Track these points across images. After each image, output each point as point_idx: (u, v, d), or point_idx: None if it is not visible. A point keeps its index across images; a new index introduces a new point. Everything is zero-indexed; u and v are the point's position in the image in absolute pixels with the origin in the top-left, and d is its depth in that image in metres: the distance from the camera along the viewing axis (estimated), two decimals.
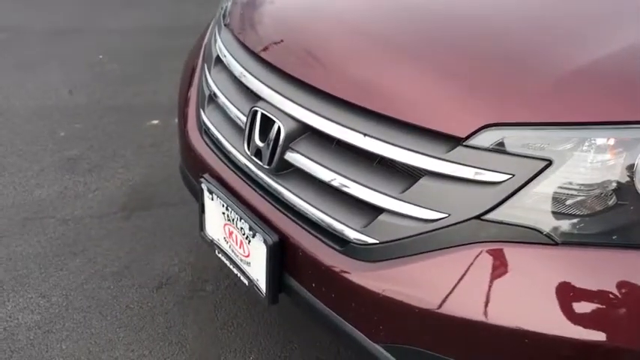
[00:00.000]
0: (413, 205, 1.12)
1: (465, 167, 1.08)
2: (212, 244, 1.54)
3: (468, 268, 1.06)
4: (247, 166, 1.42)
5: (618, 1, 1.24)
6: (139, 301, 2.03)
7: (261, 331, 1.92)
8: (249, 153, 1.39)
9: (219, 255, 1.52)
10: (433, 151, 1.10)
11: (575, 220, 1.03)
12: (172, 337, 1.89)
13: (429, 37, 1.24)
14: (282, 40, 1.41)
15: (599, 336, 0.99)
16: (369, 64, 1.24)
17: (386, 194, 1.15)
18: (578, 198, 1.03)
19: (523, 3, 1.28)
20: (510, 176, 1.04)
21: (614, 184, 1.03)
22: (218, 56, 1.64)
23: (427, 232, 1.11)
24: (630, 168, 1.02)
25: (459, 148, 1.08)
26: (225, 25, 1.69)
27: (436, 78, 1.15)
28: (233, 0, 1.73)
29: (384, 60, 1.23)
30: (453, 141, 1.09)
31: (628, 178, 1.03)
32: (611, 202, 1.03)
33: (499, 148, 1.06)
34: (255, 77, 1.44)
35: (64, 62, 3.93)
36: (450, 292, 1.07)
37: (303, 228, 1.28)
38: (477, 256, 1.06)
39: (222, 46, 1.62)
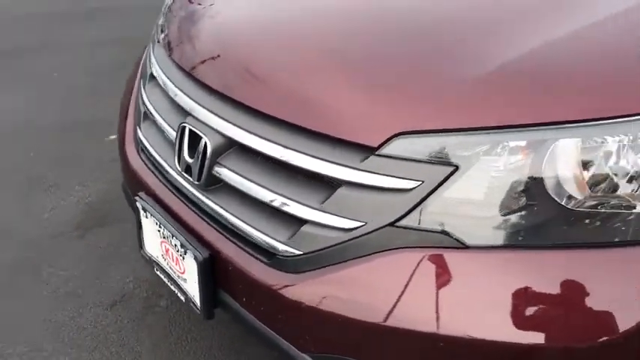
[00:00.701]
0: (332, 215, 1.14)
1: (378, 176, 1.09)
2: (151, 262, 1.54)
3: (382, 275, 1.08)
4: (179, 183, 1.43)
5: (526, 5, 1.26)
6: (92, 321, 2.02)
7: (215, 344, 1.92)
8: (179, 169, 1.40)
9: (158, 272, 1.52)
10: (348, 161, 1.12)
11: (484, 223, 1.05)
12: (125, 355, 1.89)
13: (341, 49, 1.25)
14: (207, 57, 1.42)
15: (508, 337, 1.00)
16: (286, 77, 1.26)
17: (307, 205, 1.17)
18: (486, 201, 1.05)
19: (432, 11, 1.30)
20: (420, 183, 1.06)
21: (523, 186, 1.05)
22: (152, 73, 1.64)
23: (346, 241, 1.12)
24: (539, 169, 1.04)
25: (372, 158, 1.10)
26: (158, 41, 1.69)
27: (348, 89, 1.17)
28: (165, 17, 1.74)
29: (300, 73, 1.25)
30: (366, 151, 1.11)
31: (537, 180, 1.05)
32: (520, 203, 1.05)
33: (409, 156, 1.07)
34: (185, 93, 1.45)
35: (21, 79, 3.90)
36: (367, 300, 1.09)
37: (233, 242, 1.29)
38: (391, 262, 1.08)
39: (155, 63, 1.63)
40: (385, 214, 1.09)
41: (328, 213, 1.14)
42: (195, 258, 1.31)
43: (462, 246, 1.05)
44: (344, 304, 1.11)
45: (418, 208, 1.07)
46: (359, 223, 1.11)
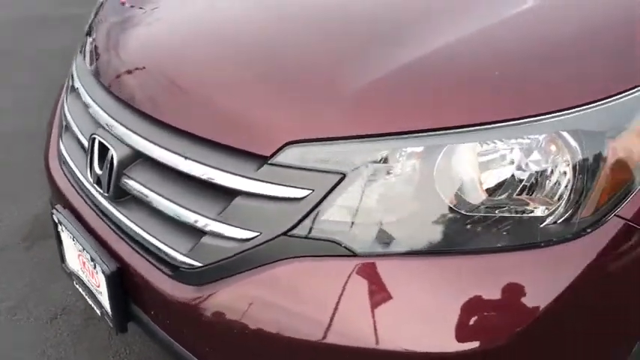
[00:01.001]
0: (228, 226, 1.12)
1: (271, 185, 1.08)
2: (72, 276, 1.52)
3: (273, 286, 1.06)
4: (92, 195, 1.41)
5: (418, 10, 1.25)
6: (32, 335, 1.99)
7: (154, 356, 1.90)
8: (91, 181, 1.38)
9: (77, 286, 1.50)
10: (243, 170, 1.10)
11: (374, 231, 1.03)
12: None
13: (235, 61, 1.25)
14: (115, 68, 1.41)
15: (394, 345, 0.99)
16: (184, 89, 1.25)
17: (206, 216, 1.15)
18: (377, 209, 1.03)
19: (323, 20, 1.29)
20: (310, 191, 1.05)
21: (414, 193, 1.03)
22: (73, 84, 1.62)
23: (243, 251, 1.11)
24: (431, 175, 1.03)
25: (266, 167, 1.08)
26: (80, 51, 1.68)
27: (242, 99, 1.16)
28: (89, 27, 1.72)
29: (197, 85, 1.24)
30: (260, 160, 1.09)
31: (429, 186, 1.03)
32: (412, 210, 1.03)
33: (300, 165, 1.06)
34: (97, 104, 1.43)
35: None
36: (260, 311, 1.07)
37: (141, 255, 1.27)
38: (281, 273, 1.06)
39: (75, 74, 1.61)
40: (279, 224, 1.07)
41: (225, 223, 1.12)
42: (103, 271, 1.29)
43: (351, 254, 1.03)
44: (240, 316, 1.09)
45: (309, 217, 1.05)
46: (254, 234, 1.09)
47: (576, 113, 0.98)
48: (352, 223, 1.04)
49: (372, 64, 1.10)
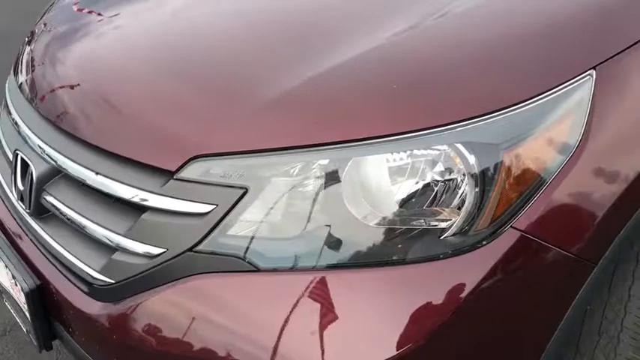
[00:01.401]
0: (137, 242, 1.11)
1: (177, 200, 1.07)
2: (2, 293, 1.50)
3: (178, 303, 1.05)
4: (18, 211, 1.40)
5: (326, 25, 1.25)
6: None
7: None
8: (15, 197, 1.37)
9: (7, 303, 1.48)
10: (150, 186, 1.10)
11: (274, 246, 1.02)
12: None
13: (144, 77, 1.24)
14: (37, 83, 1.41)
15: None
16: (96, 103, 1.25)
17: (116, 232, 1.14)
18: (281, 223, 1.03)
19: (232, 34, 1.29)
20: (214, 206, 1.04)
21: (319, 207, 1.02)
22: (5, 99, 1.61)
23: (151, 268, 1.09)
24: (338, 188, 1.02)
25: (172, 182, 1.07)
26: (13, 69, 1.67)
27: (150, 114, 1.16)
28: (27, 37, 1.72)
29: (107, 100, 1.24)
30: (166, 175, 1.08)
31: (336, 198, 1.02)
32: (315, 224, 1.02)
33: (204, 179, 1.05)
34: (21, 118, 1.42)
35: None
36: (163, 329, 1.06)
37: (61, 272, 1.26)
38: (188, 289, 1.05)
39: (7, 90, 1.60)
40: (184, 240, 1.06)
41: (134, 240, 1.11)
42: (23, 289, 1.27)
43: (254, 269, 1.02)
44: (142, 333, 1.08)
45: (213, 233, 1.04)
46: (161, 250, 1.08)
47: (471, 125, 0.98)
48: (256, 238, 1.03)
49: (279, 78, 1.10)
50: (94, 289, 1.18)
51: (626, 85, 1.07)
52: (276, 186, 1.02)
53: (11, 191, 1.42)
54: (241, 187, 1.02)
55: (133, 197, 1.12)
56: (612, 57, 1.07)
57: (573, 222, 1.00)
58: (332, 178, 1.01)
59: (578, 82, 1.03)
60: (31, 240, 1.36)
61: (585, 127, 1.01)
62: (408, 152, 0.99)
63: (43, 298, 1.28)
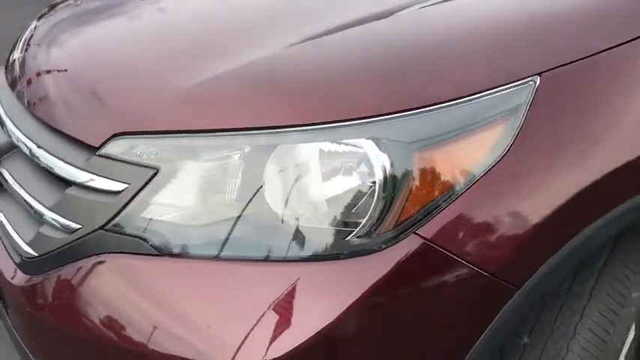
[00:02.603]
0: (60, 216, 1.10)
1: (96, 177, 1.06)
2: None
3: (82, 281, 1.03)
4: None
5: (256, 14, 1.23)
6: None
7: None
8: None
9: None
10: (76, 160, 1.09)
11: (179, 231, 0.99)
12: None
13: (79, 52, 1.26)
14: (12, 58, 1.45)
15: (171, 350, 0.93)
16: (40, 78, 1.27)
17: (44, 205, 1.14)
18: (192, 208, 1.00)
19: (172, 24, 1.29)
20: (127, 185, 1.02)
21: (235, 195, 0.99)
22: None
23: (69, 243, 1.08)
24: (258, 177, 0.98)
25: (94, 158, 1.07)
26: None
27: (81, 91, 1.18)
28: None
29: (49, 74, 1.26)
30: (90, 150, 1.08)
31: (255, 188, 0.98)
32: (224, 213, 0.98)
33: (122, 158, 1.04)
34: None
35: None
36: (71, 306, 1.04)
37: (4, 245, 1.27)
38: (94, 267, 1.03)
39: None
40: (98, 217, 1.04)
41: (57, 214, 1.10)
42: None
43: (156, 253, 0.99)
44: (51, 309, 1.07)
45: (124, 212, 1.02)
46: (79, 226, 1.07)
47: (385, 121, 0.91)
48: (162, 221, 1.00)
49: (204, 65, 1.08)
50: (23, 262, 1.18)
51: (568, 96, 0.98)
52: (191, 170, 0.99)
53: None
54: (153, 168, 1.00)
55: (61, 171, 1.11)
56: (562, 66, 0.98)
57: (488, 237, 0.91)
58: (254, 165, 0.97)
59: (518, 88, 0.95)
60: None
61: (516, 136, 0.93)
62: (320, 145, 0.94)
63: None
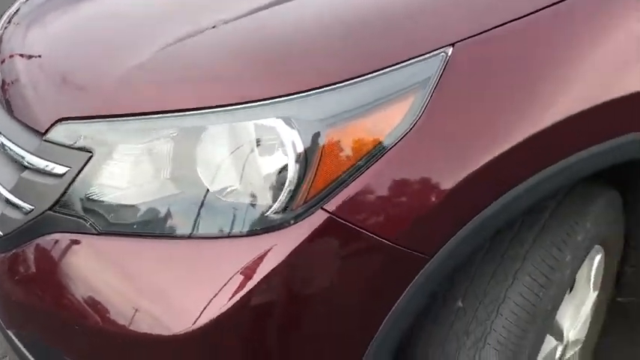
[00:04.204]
0: (16, 198, 1.18)
1: (43, 160, 1.12)
2: None
3: (31, 259, 1.11)
4: None
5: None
6: None
7: None
8: None
9: None
10: (28, 145, 1.16)
11: (115, 210, 1.05)
12: None
13: (37, 41, 1.30)
14: None
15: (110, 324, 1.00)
16: (6, 67, 1.32)
17: (5, 187, 1.21)
18: (123, 189, 1.05)
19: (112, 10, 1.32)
20: (69, 168, 1.08)
21: (168, 175, 1.04)
22: None
23: (26, 223, 1.16)
24: (190, 157, 1.03)
25: (42, 143, 1.13)
26: None
27: (31, 78, 1.22)
28: None
29: (4, 60, 1.31)
30: (39, 135, 1.14)
31: (186, 169, 1.03)
32: (157, 193, 1.04)
33: (64, 142, 1.09)
34: None
35: None
36: (26, 283, 1.13)
37: None
38: (41, 246, 1.10)
39: None
40: (47, 199, 1.11)
41: (13, 195, 1.18)
42: None
43: (95, 232, 1.05)
44: (7, 287, 1.15)
45: (67, 194, 1.08)
46: (31, 207, 1.14)
47: (295, 100, 0.94)
48: (100, 202, 1.06)
49: (138, 49, 1.11)
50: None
51: (485, 67, 0.98)
52: (123, 152, 1.05)
53: None
54: (88, 151, 1.05)
55: (16, 155, 1.18)
56: (478, 35, 0.97)
57: (394, 209, 0.93)
58: (185, 146, 1.02)
59: (427, 60, 0.95)
60: None
61: (424, 110, 0.94)
62: (236, 125, 0.97)
63: None
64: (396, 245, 0.93)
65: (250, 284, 0.92)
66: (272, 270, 0.92)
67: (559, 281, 1.11)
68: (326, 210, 0.92)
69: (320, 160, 0.93)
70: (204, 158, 1.02)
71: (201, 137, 1.01)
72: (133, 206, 1.05)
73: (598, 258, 1.38)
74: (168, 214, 1.03)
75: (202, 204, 1.01)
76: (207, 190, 1.01)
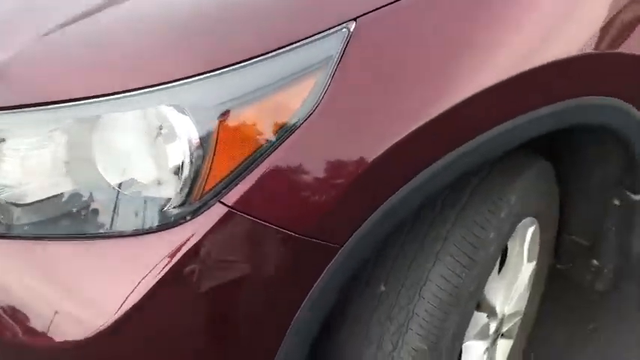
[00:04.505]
0: None
1: None
2: None
3: None
4: None
5: None
6: None
7: None
8: None
9: None
10: None
11: (8, 210, 0.98)
12: None
13: None
14: None
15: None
16: None
17: None
18: (15, 187, 0.98)
19: None
20: None
21: (64, 169, 0.97)
22: None
23: None
24: (87, 149, 0.96)
25: None
26: None
27: None
28: None
29: None
30: None
31: (84, 162, 0.96)
32: (51, 189, 0.97)
33: None
34: None
35: None
36: None
37: None
38: None
39: None
40: None
41: None
42: None
43: None
44: None
45: None
46: None
47: (183, 86, 0.87)
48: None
49: (24, 30, 1.03)
50: None
51: (390, 43, 0.92)
52: (16, 147, 0.97)
53: None
54: None
55: None
56: (383, 7, 0.91)
57: (298, 198, 0.88)
58: (80, 136, 0.95)
59: (327, 37, 0.89)
60: None
61: (326, 90, 0.88)
62: (128, 115, 0.91)
63: None
64: (304, 237, 0.88)
65: (151, 282, 0.87)
66: (171, 268, 0.87)
67: (483, 260, 1.08)
68: (224, 203, 0.86)
69: (216, 149, 0.87)
70: (101, 150, 0.95)
71: (96, 127, 0.94)
72: (27, 205, 0.98)
73: (532, 229, 1.35)
74: (70, 212, 0.97)
75: (104, 199, 0.95)
76: (109, 184, 0.94)
